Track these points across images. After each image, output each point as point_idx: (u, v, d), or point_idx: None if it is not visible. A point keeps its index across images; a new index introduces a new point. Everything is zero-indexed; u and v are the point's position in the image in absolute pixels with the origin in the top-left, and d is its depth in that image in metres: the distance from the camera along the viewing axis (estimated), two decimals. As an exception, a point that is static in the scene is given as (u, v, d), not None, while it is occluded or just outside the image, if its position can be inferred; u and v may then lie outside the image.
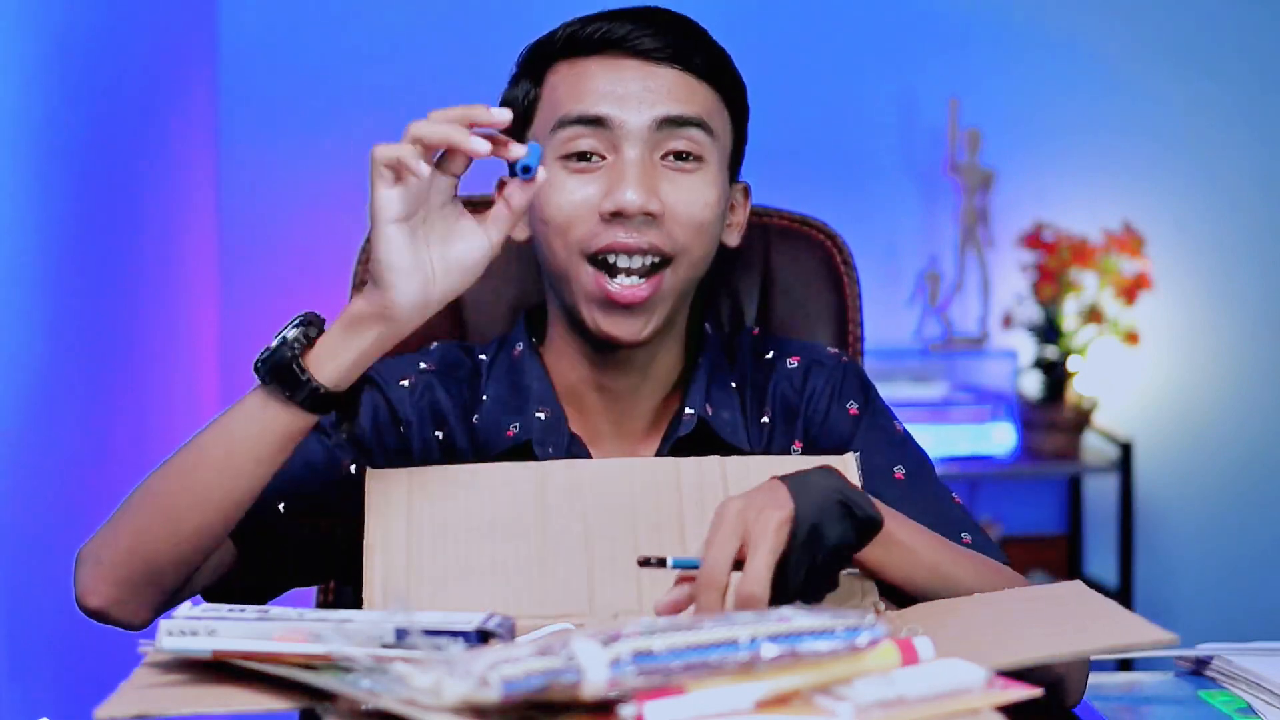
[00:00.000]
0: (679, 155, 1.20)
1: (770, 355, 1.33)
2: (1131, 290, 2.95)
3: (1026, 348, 3.05)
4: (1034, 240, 2.97)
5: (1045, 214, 3.05)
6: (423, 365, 1.29)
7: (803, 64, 3.05)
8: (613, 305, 1.19)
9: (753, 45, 3.07)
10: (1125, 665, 2.63)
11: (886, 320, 3.05)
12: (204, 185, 2.87)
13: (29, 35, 1.83)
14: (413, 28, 2.98)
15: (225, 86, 2.92)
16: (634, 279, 1.19)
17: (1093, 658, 0.93)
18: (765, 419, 1.29)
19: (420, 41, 2.98)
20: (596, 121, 1.19)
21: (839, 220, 1.60)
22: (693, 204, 1.20)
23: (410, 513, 1.06)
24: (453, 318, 1.49)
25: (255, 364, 1.06)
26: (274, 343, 1.06)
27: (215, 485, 1.08)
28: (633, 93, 1.19)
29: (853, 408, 1.29)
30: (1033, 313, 3.02)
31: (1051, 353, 2.99)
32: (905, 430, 1.31)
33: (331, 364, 1.05)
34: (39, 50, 1.87)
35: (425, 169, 0.99)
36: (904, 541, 1.06)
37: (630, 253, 1.18)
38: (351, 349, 1.04)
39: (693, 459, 1.10)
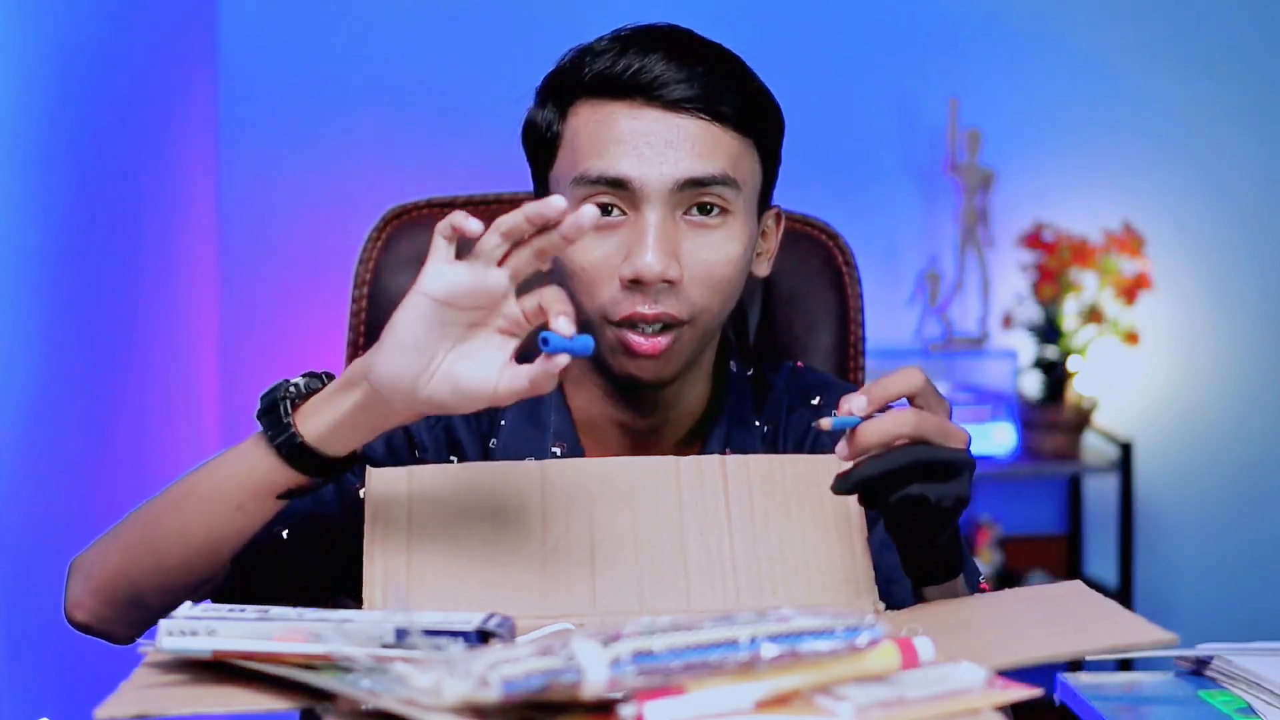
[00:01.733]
0: (702, 208, 1.17)
1: (817, 402, 1.30)
2: (1131, 290, 2.96)
3: (1026, 348, 3.05)
4: (1034, 240, 2.97)
5: (1045, 214, 3.05)
6: None
7: (803, 64, 3.05)
8: (634, 354, 1.17)
9: (753, 45, 3.06)
10: (1125, 665, 2.63)
11: (886, 320, 3.05)
12: (204, 185, 2.87)
13: (29, 35, 1.83)
14: (412, 27, 2.98)
15: (225, 86, 2.92)
16: (652, 334, 1.17)
17: (1093, 658, 0.93)
18: None
19: (420, 41, 2.98)
20: (617, 183, 1.16)
21: (839, 220, 1.60)
22: (714, 264, 1.17)
23: (410, 513, 1.06)
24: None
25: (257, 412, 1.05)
26: (277, 383, 1.05)
27: (198, 524, 1.07)
28: (655, 149, 1.15)
29: None
30: (1033, 313, 3.02)
31: (1051, 353, 3.00)
32: None
33: (316, 419, 1.02)
34: (39, 50, 1.87)
35: (477, 226, 0.96)
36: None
37: (648, 322, 1.16)
38: (335, 408, 1.02)
39: (693, 458, 1.10)
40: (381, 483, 1.07)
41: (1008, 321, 3.04)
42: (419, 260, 1.47)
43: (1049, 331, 2.99)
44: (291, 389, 1.04)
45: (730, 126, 1.18)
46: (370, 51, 2.97)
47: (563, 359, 0.94)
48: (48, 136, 1.91)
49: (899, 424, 0.98)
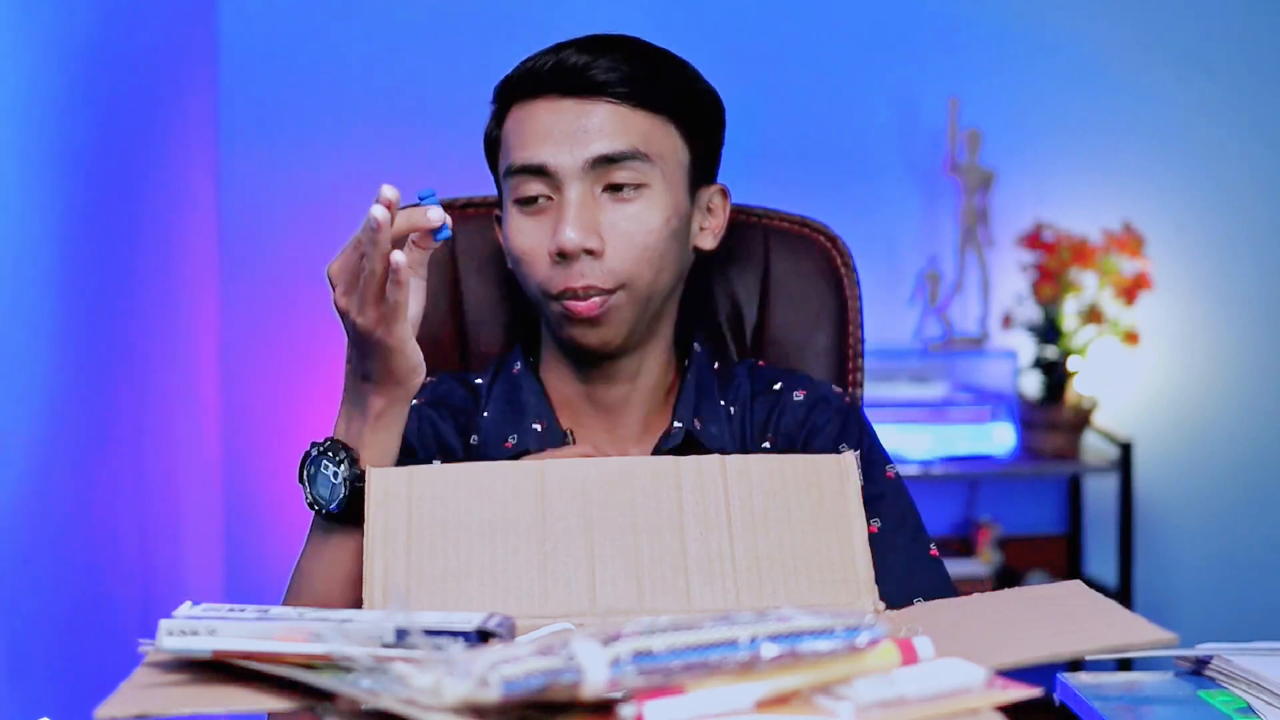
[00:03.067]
0: (616, 186, 1.27)
1: (779, 386, 1.38)
2: (1131, 290, 2.95)
3: (1026, 348, 3.05)
4: (1034, 240, 2.97)
5: (1045, 214, 3.05)
6: (414, 401, 1.32)
7: (803, 64, 3.05)
8: (574, 318, 1.28)
9: (753, 45, 3.07)
10: (1125, 665, 2.63)
11: (886, 320, 3.05)
12: (204, 185, 2.87)
13: (29, 35, 1.83)
14: (412, 28, 2.98)
15: (225, 87, 2.93)
16: (586, 299, 1.27)
17: (1092, 658, 0.93)
18: (767, 445, 1.35)
19: (420, 42, 2.98)
20: (539, 170, 1.27)
21: (839, 220, 1.60)
22: (633, 234, 1.27)
23: (410, 513, 1.06)
24: (454, 324, 1.50)
25: (312, 506, 1.16)
26: (327, 490, 1.15)
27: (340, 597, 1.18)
28: (567, 134, 1.26)
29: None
30: (1033, 313, 3.02)
31: (1051, 353, 3.00)
32: (897, 477, 1.34)
33: (388, 456, 1.16)
34: (39, 50, 1.87)
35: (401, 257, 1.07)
36: None
37: (578, 295, 1.27)
38: (396, 433, 1.16)
39: (692, 458, 1.10)
40: (381, 483, 1.07)
41: (1008, 321, 3.04)
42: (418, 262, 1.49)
43: (1049, 331, 2.99)
44: (351, 482, 1.14)
45: (641, 107, 1.28)
46: (370, 52, 2.97)
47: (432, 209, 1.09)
48: (48, 137, 1.91)
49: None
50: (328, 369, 2.77)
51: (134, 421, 2.28)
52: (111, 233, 2.20)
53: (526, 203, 1.28)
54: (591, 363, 1.33)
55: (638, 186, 1.28)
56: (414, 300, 1.13)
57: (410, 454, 1.30)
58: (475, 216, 1.52)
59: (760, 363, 1.44)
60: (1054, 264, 2.94)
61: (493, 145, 1.34)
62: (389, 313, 1.08)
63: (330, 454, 1.15)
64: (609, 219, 1.27)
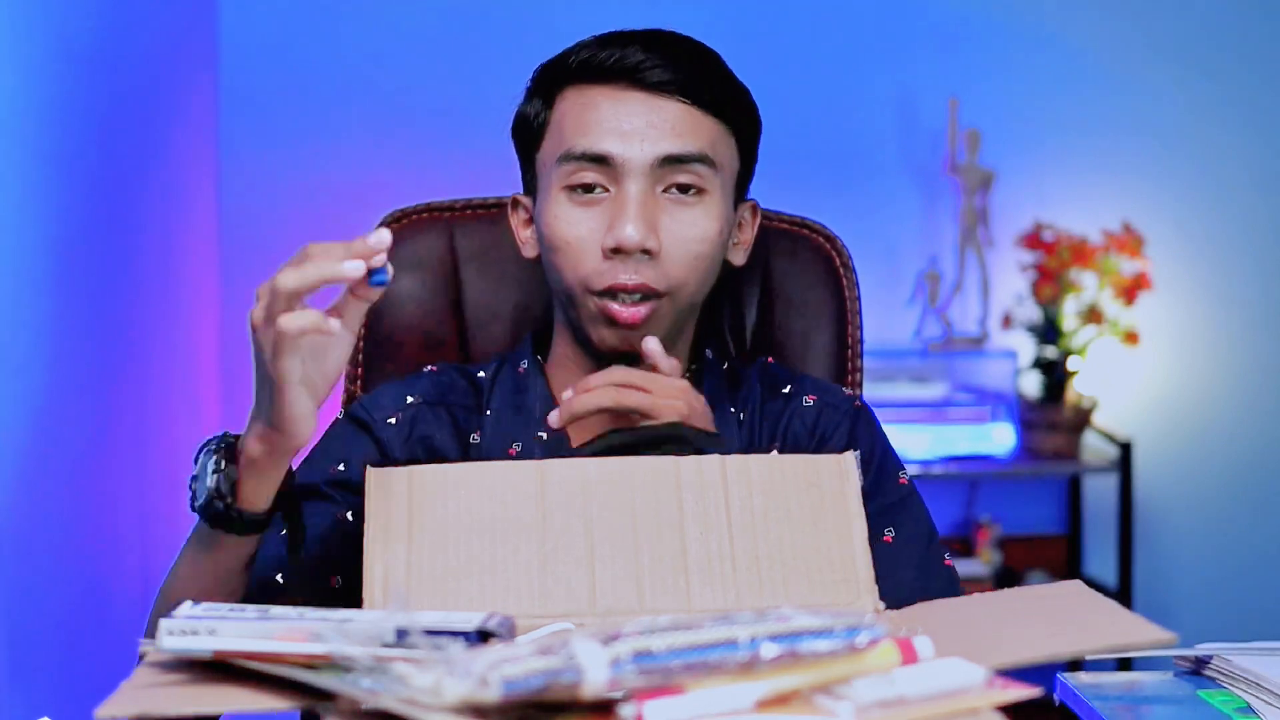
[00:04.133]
0: (681, 188, 1.24)
1: (788, 390, 1.35)
2: (1131, 290, 2.96)
3: (1026, 348, 3.05)
4: (1034, 240, 2.97)
5: (1045, 214, 3.05)
6: (410, 399, 1.31)
7: (802, 64, 3.05)
8: (615, 323, 1.24)
9: (753, 45, 3.07)
10: (1125, 665, 2.63)
11: (886, 320, 3.05)
12: (204, 185, 2.87)
13: (29, 35, 1.83)
14: (412, 28, 2.98)
15: (225, 87, 2.92)
16: (631, 304, 1.24)
17: (1092, 657, 0.93)
18: (775, 450, 1.32)
19: (420, 43, 2.98)
20: (601, 159, 1.23)
21: (839, 221, 1.60)
22: (690, 240, 1.24)
23: (410, 513, 1.06)
24: (454, 324, 1.50)
25: (194, 508, 1.08)
26: (201, 495, 1.07)
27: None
28: (637, 128, 1.22)
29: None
30: (1032, 313, 3.02)
31: (1051, 353, 3.00)
32: (910, 483, 1.31)
33: (260, 499, 1.07)
34: (39, 50, 1.88)
35: (336, 325, 1.00)
36: None
37: (628, 291, 1.23)
38: (271, 481, 1.07)
39: (692, 458, 1.10)
40: (381, 483, 1.07)
41: (1007, 321, 3.04)
42: (418, 263, 1.49)
43: (1049, 331, 2.99)
44: (222, 492, 1.07)
45: (709, 111, 1.25)
46: (370, 53, 2.97)
47: (377, 292, 1.02)
48: (48, 136, 1.91)
49: (600, 399, 1.15)
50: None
51: (134, 421, 2.28)
52: (111, 232, 2.20)
53: (582, 190, 1.24)
54: (609, 365, 1.26)
55: (700, 191, 1.25)
56: (336, 349, 1.03)
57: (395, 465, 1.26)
58: (476, 218, 1.52)
59: (770, 360, 1.41)
60: (1054, 264, 2.94)
61: (534, 129, 1.29)
62: (287, 344, 0.99)
63: (216, 452, 1.07)
64: (668, 221, 1.23)
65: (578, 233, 1.24)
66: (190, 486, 1.08)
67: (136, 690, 0.86)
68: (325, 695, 0.83)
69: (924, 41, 3.11)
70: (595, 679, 0.74)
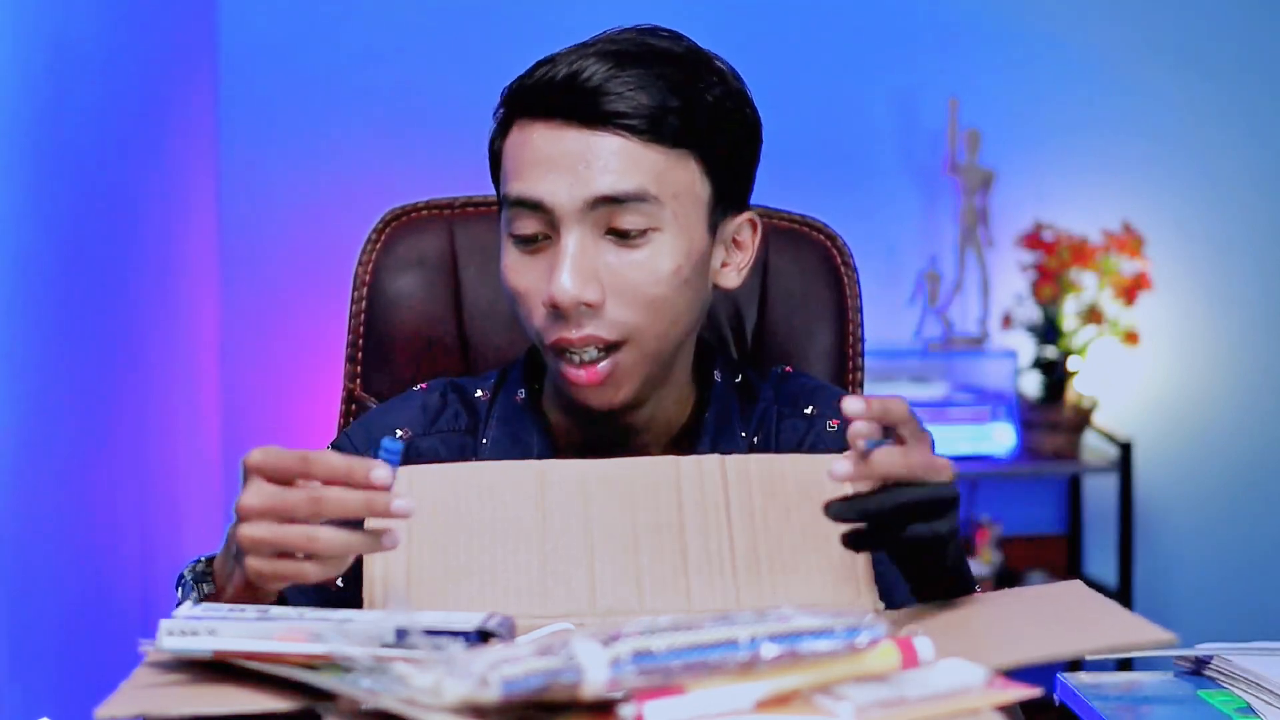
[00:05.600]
0: (621, 233, 1.13)
1: (810, 411, 1.27)
2: (1131, 290, 2.96)
3: (1026, 348, 3.05)
4: (1034, 240, 2.97)
5: (1045, 214, 3.05)
6: (399, 434, 1.24)
7: (802, 64, 3.05)
8: (574, 384, 1.16)
9: (752, 45, 3.07)
10: (1125, 665, 2.63)
11: (886, 320, 3.05)
12: (204, 185, 2.87)
13: (28, 35, 1.83)
14: (412, 28, 2.98)
15: (225, 87, 2.92)
16: (588, 363, 1.15)
17: (1092, 658, 0.93)
18: None
19: (420, 42, 2.98)
20: (535, 205, 1.13)
21: (839, 220, 1.60)
22: (639, 284, 1.13)
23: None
24: (454, 324, 1.50)
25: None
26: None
27: None
28: (570, 169, 1.12)
29: None
30: (1032, 313, 3.02)
31: (1051, 353, 3.00)
32: None
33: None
34: (38, 50, 1.87)
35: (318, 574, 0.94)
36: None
37: (574, 348, 1.14)
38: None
39: (692, 458, 1.10)
40: (381, 483, 1.07)
41: (1007, 321, 3.04)
42: (419, 262, 1.49)
43: (1049, 331, 2.99)
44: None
45: (655, 140, 1.13)
46: (370, 52, 2.97)
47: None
48: (48, 136, 1.91)
49: (889, 464, 0.97)
50: (328, 369, 2.77)
51: (134, 421, 2.28)
52: (111, 232, 2.20)
53: (524, 241, 1.15)
54: (598, 419, 1.19)
55: (645, 231, 1.13)
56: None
57: None
58: (477, 216, 1.52)
59: (788, 369, 1.33)
60: (1054, 264, 2.94)
61: (495, 160, 1.21)
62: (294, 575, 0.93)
63: (195, 585, 1.04)
64: (611, 265, 1.13)
65: (525, 284, 1.15)
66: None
67: (136, 690, 0.86)
68: (325, 695, 0.83)
69: (924, 41, 3.11)
70: (595, 679, 0.74)
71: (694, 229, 1.16)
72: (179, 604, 1.03)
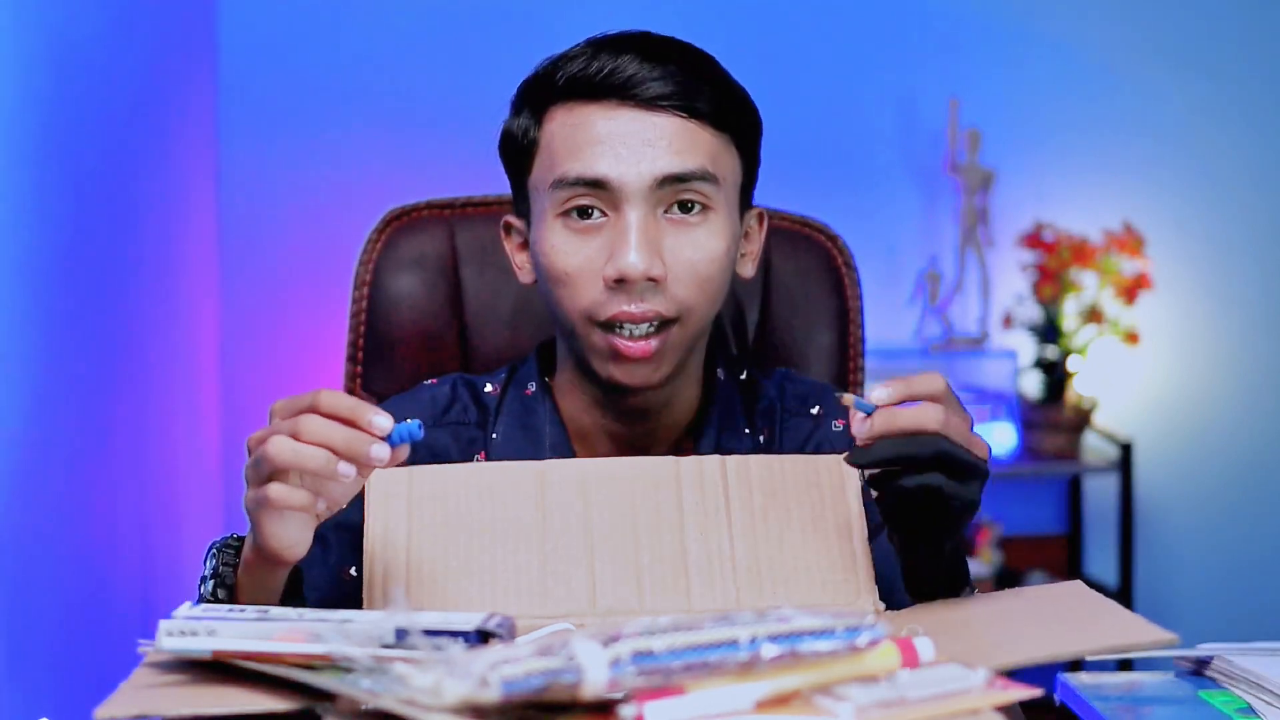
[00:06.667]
0: (683, 208, 1.17)
1: (816, 411, 1.29)
2: (1131, 290, 2.96)
3: (1026, 348, 3.05)
4: (1034, 240, 2.97)
5: (1045, 214, 3.05)
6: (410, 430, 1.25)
7: (803, 64, 3.05)
8: (623, 358, 1.17)
9: (754, 45, 3.07)
10: (1125, 665, 2.63)
11: (886, 320, 3.05)
12: (204, 185, 2.87)
13: (28, 35, 1.83)
14: (412, 28, 2.98)
15: (225, 86, 2.92)
16: (640, 337, 1.16)
17: (1092, 658, 0.93)
18: None
19: (420, 42, 2.98)
20: (596, 184, 1.15)
21: (839, 220, 1.60)
22: (698, 262, 1.16)
23: (410, 513, 1.06)
24: (454, 324, 1.50)
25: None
26: (203, 594, 1.05)
27: None
28: (632, 148, 1.15)
29: None
30: (1033, 313, 3.02)
31: (1051, 353, 3.00)
32: None
33: (260, 597, 1.03)
34: (38, 50, 1.87)
35: (351, 471, 0.95)
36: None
37: (635, 321, 1.16)
38: (272, 582, 1.03)
39: (692, 458, 1.10)
40: (381, 483, 1.07)
41: (1008, 321, 3.04)
42: (419, 261, 1.49)
43: (1049, 331, 2.99)
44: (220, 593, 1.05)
45: (707, 123, 1.17)
46: (369, 52, 2.97)
47: (405, 449, 0.97)
48: (47, 136, 1.91)
49: (928, 416, 0.98)
50: (328, 369, 2.77)
51: (134, 421, 2.28)
52: (111, 232, 2.20)
53: (579, 215, 1.16)
54: (619, 397, 1.21)
55: (704, 209, 1.17)
56: (347, 488, 0.99)
57: None
58: (477, 216, 1.52)
59: (791, 371, 1.35)
60: (1054, 264, 2.94)
61: (523, 149, 1.21)
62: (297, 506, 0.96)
63: (218, 555, 1.05)
64: (672, 244, 1.16)
65: (576, 262, 1.16)
66: (198, 586, 1.06)
67: (136, 690, 0.86)
68: (325, 695, 0.83)
69: (925, 42, 3.11)
70: (595, 679, 0.74)
71: (734, 214, 1.21)
72: (200, 580, 1.05)
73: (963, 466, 0.99)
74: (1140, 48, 3.15)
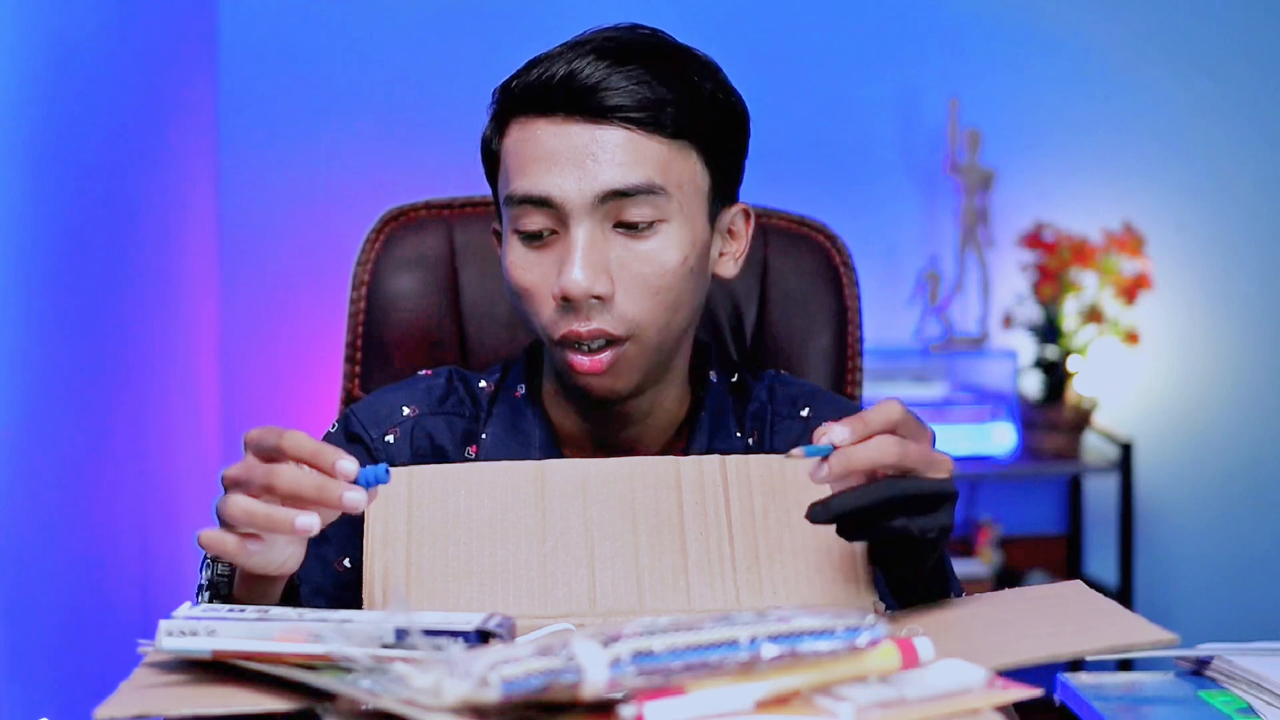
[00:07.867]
0: (629, 224, 1.15)
1: (806, 413, 1.28)
2: (1131, 290, 2.96)
3: (1026, 348, 3.05)
4: (1034, 240, 2.97)
5: (1045, 214, 3.05)
6: (406, 410, 1.26)
7: (802, 64, 3.05)
8: (580, 372, 1.17)
9: (753, 45, 3.07)
10: (1125, 665, 2.63)
11: (886, 320, 3.05)
12: (204, 185, 2.87)
13: (28, 35, 1.83)
14: (412, 28, 2.98)
15: (225, 86, 2.92)
16: (594, 352, 1.16)
17: (1093, 658, 0.93)
18: None
19: (419, 43, 2.98)
20: (542, 202, 1.14)
21: (839, 220, 1.60)
22: (648, 276, 1.15)
23: (410, 513, 1.06)
24: (454, 324, 1.50)
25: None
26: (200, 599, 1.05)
27: None
28: (576, 163, 1.13)
29: None
30: (1033, 313, 3.02)
31: (1051, 353, 3.00)
32: None
33: (256, 600, 1.02)
34: (38, 50, 1.87)
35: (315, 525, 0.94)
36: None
37: (583, 340, 1.15)
38: (269, 589, 1.03)
39: (693, 458, 1.10)
40: (381, 483, 1.07)
41: (1008, 321, 3.04)
42: (417, 262, 1.49)
43: (1049, 331, 2.99)
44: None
45: (658, 132, 1.15)
46: (370, 53, 2.97)
47: (375, 491, 0.97)
48: (47, 136, 1.91)
49: (886, 450, 0.97)
50: (327, 369, 2.77)
51: (134, 421, 2.28)
52: (111, 232, 2.20)
53: (530, 237, 1.16)
54: (599, 406, 1.21)
55: (652, 223, 1.15)
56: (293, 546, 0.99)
57: None
58: (475, 216, 1.52)
59: (781, 372, 1.35)
60: (1054, 264, 2.94)
61: (491, 159, 1.22)
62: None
63: (216, 562, 1.05)
64: (620, 258, 1.15)
65: (532, 279, 1.16)
66: (195, 596, 1.06)
67: (136, 690, 0.86)
68: (325, 695, 0.83)
69: (924, 42, 3.11)
70: (595, 679, 0.74)
71: (697, 219, 1.18)
72: (198, 588, 1.06)
73: (924, 499, 0.98)
74: (1140, 48, 3.15)
